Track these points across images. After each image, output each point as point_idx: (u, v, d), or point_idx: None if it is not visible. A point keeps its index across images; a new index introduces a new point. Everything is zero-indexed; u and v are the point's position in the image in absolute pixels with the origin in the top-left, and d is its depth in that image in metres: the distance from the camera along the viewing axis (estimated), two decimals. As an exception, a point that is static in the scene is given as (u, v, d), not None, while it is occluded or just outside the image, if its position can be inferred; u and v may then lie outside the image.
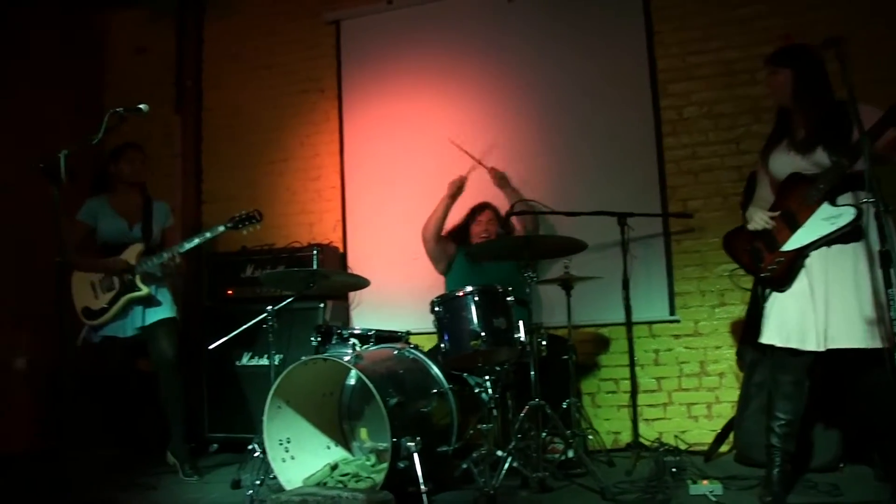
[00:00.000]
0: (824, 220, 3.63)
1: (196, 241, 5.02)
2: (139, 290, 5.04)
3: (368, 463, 4.42)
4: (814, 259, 3.68)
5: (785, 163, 3.82)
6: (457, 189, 5.62)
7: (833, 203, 3.64)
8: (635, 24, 5.88)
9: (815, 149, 3.69)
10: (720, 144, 5.66)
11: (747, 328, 5.13)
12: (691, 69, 5.78)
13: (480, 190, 5.78)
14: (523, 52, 6.16)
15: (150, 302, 5.12)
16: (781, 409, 3.77)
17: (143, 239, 5.18)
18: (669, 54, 5.84)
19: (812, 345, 3.61)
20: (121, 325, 5.09)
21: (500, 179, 5.78)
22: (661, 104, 5.81)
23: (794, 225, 3.73)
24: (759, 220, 3.83)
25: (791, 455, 3.79)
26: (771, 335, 3.76)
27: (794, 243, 3.72)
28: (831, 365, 3.71)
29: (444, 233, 5.67)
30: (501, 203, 5.64)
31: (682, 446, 4.97)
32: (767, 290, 3.87)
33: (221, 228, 5.01)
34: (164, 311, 5.16)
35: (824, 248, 3.65)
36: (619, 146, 5.82)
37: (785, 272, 3.74)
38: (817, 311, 3.61)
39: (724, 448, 4.99)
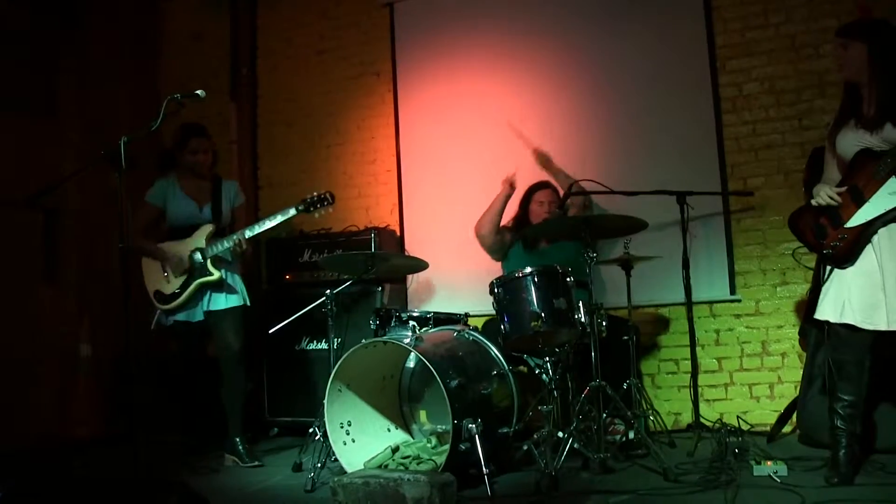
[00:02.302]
0: (892, 194, 3.54)
1: (267, 224, 4.90)
2: (210, 274, 4.93)
3: (429, 445, 4.44)
4: (881, 235, 3.59)
5: (852, 140, 3.71)
6: (510, 187, 5.54)
7: None
8: (694, 1, 5.77)
9: (884, 125, 3.58)
10: (782, 121, 5.55)
11: (810, 307, 5.05)
12: (751, 44, 5.66)
13: (519, 171, 5.69)
14: (579, 30, 6.10)
15: (220, 287, 5.01)
16: (844, 391, 3.71)
17: (213, 220, 5.08)
18: (729, 30, 5.72)
19: (883, 324, 3.53)
20: (192, 310, 5.02)
21: (544, 160, 5.74)
22: (721, 81, 5.70)
23: (860, 200, 3.64)
24: (825, 195, 3.72)
25: (858, 436, 3.73)
26: (826, 311, 3.69)
27: (858, 219, 3.63)
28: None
29: (503, 223, 5.60)
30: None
31: (744, 427, 4.91)
32: (829, 267, 3.79)
33: (292, 212, 4.86)
34: (234, 298, 5.05)
35: (893, 224, 3.56)
36: (677, 124, 5.74)
37: (849, 249, 3.65)
38: (888, 288, 3.53)
39: (786, 429, 4.93)
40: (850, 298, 3.61)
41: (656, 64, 5.84)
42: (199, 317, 5.01)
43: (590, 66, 6.04)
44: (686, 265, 4.95)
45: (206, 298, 5.00)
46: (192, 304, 5.01)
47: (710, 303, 5.61)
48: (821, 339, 4.59)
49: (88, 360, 6.24)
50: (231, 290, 5.06)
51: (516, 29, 6.28)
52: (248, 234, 4.86)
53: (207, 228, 5.01)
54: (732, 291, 5.57)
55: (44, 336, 6.13)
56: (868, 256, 3.62)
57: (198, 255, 4.94)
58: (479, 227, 5.55)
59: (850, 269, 3.66)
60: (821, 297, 3.77)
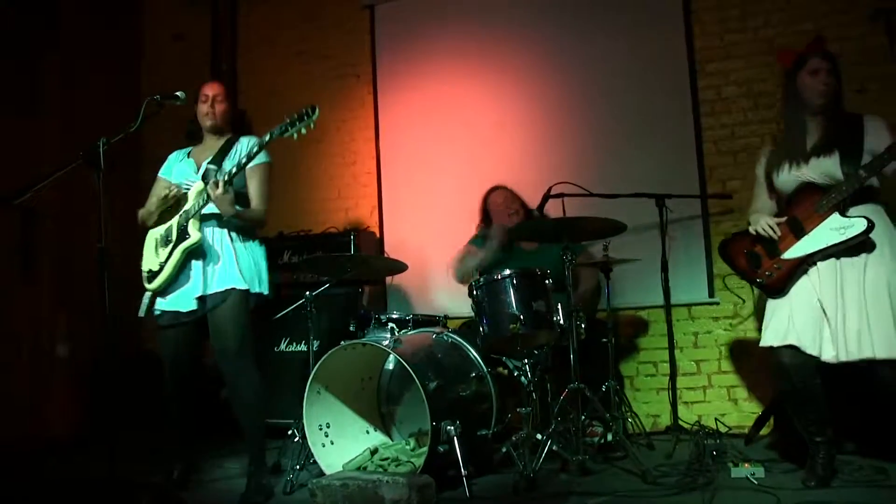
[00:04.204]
0: (833, 230, 3.57)
1: (245, 158, 4.06)
2: (189, 236, 4.05)
3: (408, 447, 4.43)
4: (820, 269, 3.62)
5: (792, 176, 3.75)
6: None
7: (843, 214, 3.58)
8: (672, 4, 5.82)
9: (827, 158, 3.65)
10: (760, 124, 5.58)
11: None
12: (730, 48, 5.71)
13: (498, 174, 5.73)
14: (560, 33, 6.12)
15: (214, 259, 4.10)
16: (808, 411, 3.71)
17: (206, 177, 4.16)
18: (707, 33, 5.77)
19: (829, 355, 3.55)
20: (182, 294, 4.10)
21: None
22: (699, 84, 5.75)
23: (799, 233, 3.67)
24: (765, 225, 3.75)
25: (833, 442, 3.73)
26: (768, 337, 3.70)
27: (796, 251, 3.67)
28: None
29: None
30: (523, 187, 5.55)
31: (722, 429, 4.92)
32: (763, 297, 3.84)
33: (267, 138, 4.02)
34: (231, 277, 4.08)
35: (833, 260, 3.59)
36: (656, 127, 5.78)
37: (783, 279, 3.69)
38: (830, 321, 3.55)
39: (764, 431, 4.94)
40: (793, 322, 3.63)
41: (635, 67, 5.88)
42: (190, 305, 4.08)
43: (569, 68, 6.07)
44: (665, 268, 4.98)
45: (197, 279, 4.09)
46: (181, 287, 4.11)
47: (689, 305, 5.65)
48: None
49: (65, 361, 6.19)
50: (229, 265, 4.11)
51: (496, 33, 6.30)
52: (223, 174, 4.06)
53: (197, 187, 4.13)
54: (711, 294, 5.61)
55: (20, 336, 6.09)
56: (805, 288, 3.65)
57: (183, 218, 4.14)
58: (453, 275, 5.45)
59: (787, 299, 3.68)
60: (765, 324, 3.78)
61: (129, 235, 4.72)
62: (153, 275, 4.17)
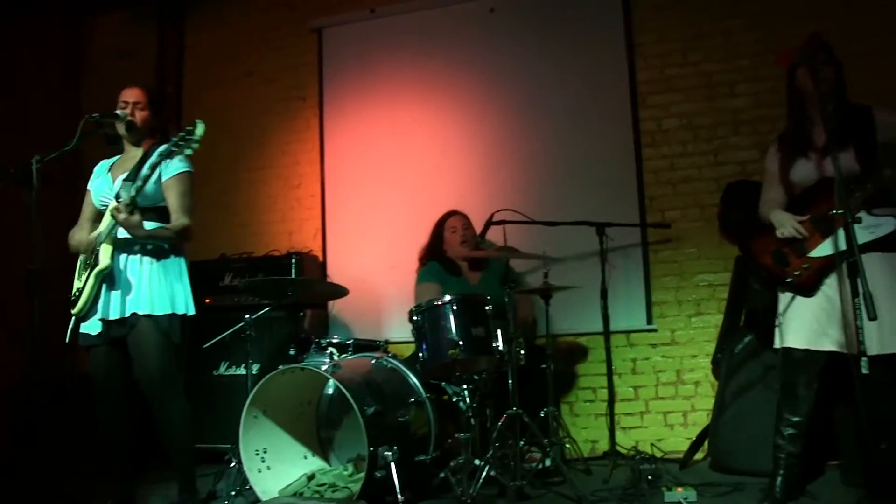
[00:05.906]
0: (863, 228, 3.51)
1: (138, 183, 3.75)
2: (97, 262, 3.86)
3: (346, 473, 4.42)
4: (847, 267, 3.47)
5: (810, 170, 3.76)
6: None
7: (870, 212, 3.59)
8: (616, 37, 5.92)
9: (843, 153, 3.58)
10: (699, 156, 5.71)
11: (723, 337, 5.18)
12: (671, 81, 5.83)
13: (441, 200, 5.77)
14: (504, 62, 6.19)
15: (120, 285, 3.90)
16: (790, 411, 3.75)
17: (118, 196, 3.93)
18: (649, 66, 5.89)
19: (833, 346, 3.59)
20: (92, 316, 3.96)
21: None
22: (641, 115, 5.85)
23: (826, 231, 3.66)
24: (791, 227, 3.72)
25: (797, 457, 3.76)
26: (794, 339, 3.70)
27: (825, 250, 3.66)
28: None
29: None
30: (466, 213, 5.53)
31: (658, 454, 4.96)
32: (786, 295, 3.79)
33: (155, 160, 3.77)
34: (136, 303, 3.88)
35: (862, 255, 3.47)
36: (598, 157, 5.86)
37: (813, 278, 3.67)
38: (847, 315, 3.53)
39: (698, 455, 5.01)
40: (810, 324, 3.65)
41: (579, 97, 5.97)
42: (97, 328, 3.93)
43: (514, 97, 6.13)
44: (604, 295, 5.05)
45: (102, 303, 3.90)
46: (93, 310, 3.95)
47: (628, 332, 5.71)
48: (733, 367, 4.72)
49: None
50: (135, 291, 3.90)
51: (442, 60, 6.35)
52: (127, 193, 3.74)
53: (111, 205, 3.85)
54: (649, 321, 5.68)
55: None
56: (830, 284, 3.65)
57: (97, 241, 3.96)
58: None
59: (810, 300, 3.68)
60: (783, 324, 3.77)
61: (64, 255, 4.52)
62: (75, 299, 4.01)
